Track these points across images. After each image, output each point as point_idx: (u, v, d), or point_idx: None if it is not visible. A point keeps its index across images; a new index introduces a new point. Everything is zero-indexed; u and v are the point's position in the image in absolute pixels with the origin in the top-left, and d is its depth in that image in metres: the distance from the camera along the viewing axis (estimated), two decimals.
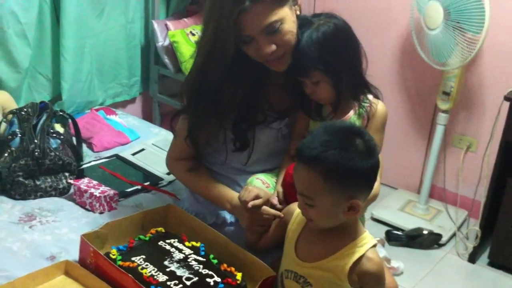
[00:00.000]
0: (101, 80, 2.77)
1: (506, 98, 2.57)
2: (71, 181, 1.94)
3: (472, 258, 2.80)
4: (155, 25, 2.82)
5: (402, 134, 3.22)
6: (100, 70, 2.75)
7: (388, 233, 2.91)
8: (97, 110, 2.61)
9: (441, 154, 3.04)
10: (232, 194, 1.68)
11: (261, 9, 1.45)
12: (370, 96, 1.68)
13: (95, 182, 1.94)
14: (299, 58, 1.56)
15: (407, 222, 2.99)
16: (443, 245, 2.91)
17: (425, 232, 2.88)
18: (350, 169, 1.25)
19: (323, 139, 1.27)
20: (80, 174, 2.04)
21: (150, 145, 2.35)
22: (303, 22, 1.58)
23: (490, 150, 2.80)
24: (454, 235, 2.96)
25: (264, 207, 1.55)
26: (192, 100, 1.65)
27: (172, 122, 1.74)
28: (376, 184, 1.53)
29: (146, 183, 2.05)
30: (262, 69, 1.61)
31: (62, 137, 2.03)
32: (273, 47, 1.51)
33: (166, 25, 2.86)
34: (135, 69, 2.95)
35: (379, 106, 1.67)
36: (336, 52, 1.56)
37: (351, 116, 1.66)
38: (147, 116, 3.15)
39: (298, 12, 1.59)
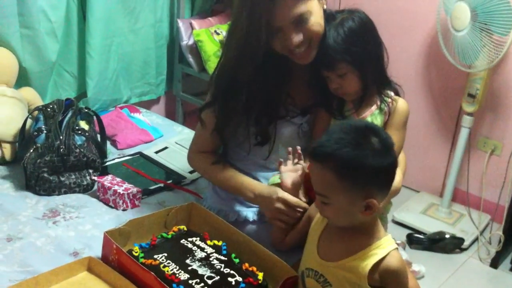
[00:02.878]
0: (127, 78, 2.78)
1: None
2: (95, 178, 1.96)
3: (495, 263, 2.76)
4: (180, 23, 2.83)
5: (425, 136, 3.19)
6: (126, 68, 2.76)
7: (409, 236, 2.88)
8: (121, 108, 2.63)
9: (465, 157, 3.01)
10: (255, 184, 1.69)
11: (291, 1, 1.49)
12: (391, 93, 1.70)
13: (118, 179, 1.96)
14: (326, 51, 1.58)
15: (429, 226, 2.96)
16: (465, 249, 2.87)
17: (447, 236, 2.85)
18: (364, 167, 1.24)
19: (337, 137, 1.27)
20: (104, 171, 2.06)
21: (173, 144, 2.36)
22: (327, 17, 1.61)
23: None
24: (476, 239, 2.92)
25: (296, 200, 1.58)
26: (222, 94, 1.66)
27: (201, 113, 1.74)
28: (398, 179, 1.54)
29: (169, 181, 2.07)
30: (287, 64, 1.64)
31: (87, 134, 2.05)
32: (301, 36, 1.54)
33: (191, 24, 2.88)
34: (162, 68, 2.97)
35: (400, 103, 1.68)
36: (361, 44, 1.59)
37: (374, 111, 1.67)
38: (171, 114, 3.16)
39: (324, 6, 1.62)
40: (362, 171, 1.24)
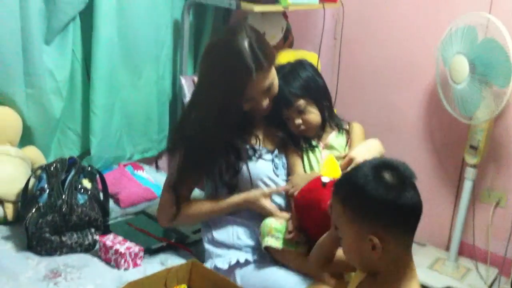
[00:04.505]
0: (130, 135, 2.79)
1: None
2: (97, 237, 1.95)
3: None
4: (183, 80, 2.86)
5: (429, 189, 3.17)
6: (130, 125, 2.78)
7: None
8: (125, 165, 2.64)
9: (469, 210, 2.98)
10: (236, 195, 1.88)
11: (263, 75, 1.76)
12: (343, 123, 2.00)
13: (120, 238, 1.95)
14: (283, 93, 1.86)
15: (436, 281, 2.90)
16: None
17: None
18: (369, 198, 1.22)
19: (352, 172, 1.31)
20: (106, 230, 2.05)
21: None
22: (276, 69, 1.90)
23: None
24: None
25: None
26: (189, 151, 1.85)
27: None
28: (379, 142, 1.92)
29: (171, 240, 2.04)
30: (249, 115, 1.90)
31: (89, 192, 2.05)
32: (268, 101, 1.84)
33: (193, 80, 2.90)
34: (164, 124, 2.98)
35: (355, 123, 1.99)
36: (313, 81, 1.90)
37: (334, 135, 1.95)
38: None
39: None
40: (367, 202, 1.23)
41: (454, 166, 3.12)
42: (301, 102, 1.87)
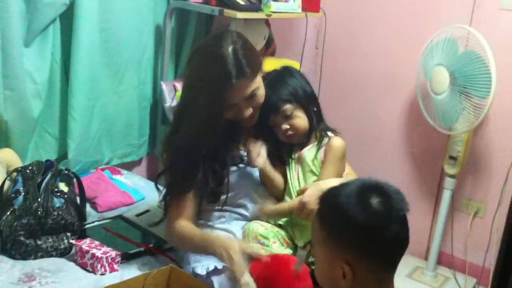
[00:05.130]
0: (109, 140, 2.76)
1: None
2: (73, 241, 1.91)
3: None
4: (164, 86, 2.85)
5: (408, 198, 3.13)
6: (109, 130, 2.75)
7: None
8: (102, 169, 2.60)
9: (448, 220, 3.00)
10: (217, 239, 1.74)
11: (245, 82, 1.71)
12: (330, 133, 1.87)
13: (97, 242, 1.91)
14: (270, 99, 1.81)
15: None
16: None
17: None
18: (347, 220, 1.12)
19: (341, 188, 1.21)
20: (82, 234, 2.00)
21: (155, 207, 2.32)
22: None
23: (499, 216, 2.75)
24: None
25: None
26: (180, 162, 1.80)
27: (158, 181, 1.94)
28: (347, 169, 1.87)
29: (150, 245, 2.01)
30: (234, 124, 1.85)
31: (66, 196, 2.01)
32: (251, 109, 1.78)
33: (174, 86, 2.89)
34: (145, 129, 2.96)
35: (336, 140, 1.84)
36: (300, 85, 1.85)
37: (311, 147, 1.85)
38: (153, 176, 3.12)
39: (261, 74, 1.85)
40: (345, 225, 1.13)
41: (433, 176, 3.14)
42: (288, 106, 1.82)
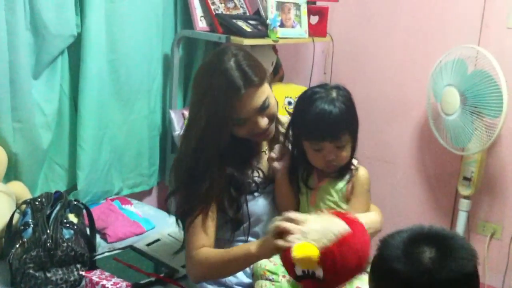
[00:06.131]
0: (119, 170, 2.75)
1: None
2: (83, 273, 1.88)
3: None
4: (173, 114, 2.84)
5: (423, 221, 3.11)
6: (119, 160, 2.74)
7: None
8: (112, 200, 2.58)
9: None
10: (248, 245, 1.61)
11: (253, 91, 1.63)
12: (354, 160, 1.71)
13: (107, 273, 1.87)
14: (332, 123, 1.59)
15: None
16: None
17: None
18: (387, 271, 1.03)
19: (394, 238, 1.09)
20: (92, 265, 1.97)
21: (166, 236, 2.29)
22: (316, 92, 1.64)
23: None
24: None
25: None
26: (185, 182, 1.71)
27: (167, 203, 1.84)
28: (379, 218, 1.68)
29: (161, 275, 1.98)
30: (247, 144, 1.75)
31: (75, 227, 1.98)
32: (266, 120, 1.69)
33: (183, 114, 2.89)
34: (155, 158, 2.94)
35: (363, 170, 1.71)
36: (355, 117, 1.65)
37: (334, 177, 1.68)
38: (163, 205, 3.10)
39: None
40: (390, 282, 1.03)
41: (448, 198, 3.09)
42: (347, 137, 1.61)
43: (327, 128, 1.59)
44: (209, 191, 1.68)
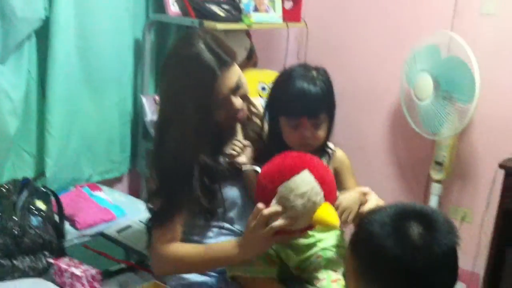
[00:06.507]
0: (89, 157, 2.71)
1: (501, 166, 2.53)
2: (51, 260, 1.85)
3: None
4: (144, 100, 2.80)
5: None
6: (89, 146, 2.69)
7: None
8: (82, 186, 2.54)
9: None
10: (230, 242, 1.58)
11: (228, 71, 1.62)
12: (331, 144, 1.71)
13: (76, 261, 1.86)
14: (313, 100, 1.58)
15: None
16: None
17: None
18: (379, 251, 0.99)
19: (379, 215, 1.07)
20: (61, 253, 1.95)
21: (137, 222, 2.26)
22: (296, 70, 1.64)
23: (487, 220, 2.73)
24: None
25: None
26: (169, 181, 1.63)
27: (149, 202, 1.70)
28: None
29: (132, 262, 1.96)
30: (219, 130, 1.72)
31: (43, 214, 1.95)
32: (240, 100, 1.68)
33: (154, 99, 2.85)
34: (126, 145, 2.90)
35: (340, 152, 1.72)
36: (333, 97, 1.65)
37: None
38: (135, 192, 3.07)
39: None
40: (378, 257, 1.01)
41: (420, 182, 3.11)
42: (325, 116, 1.61)
43: (307, 104, 1.58)
44: (192, 191, 1.63)
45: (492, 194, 2.67)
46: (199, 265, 1.62)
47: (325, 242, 1.61)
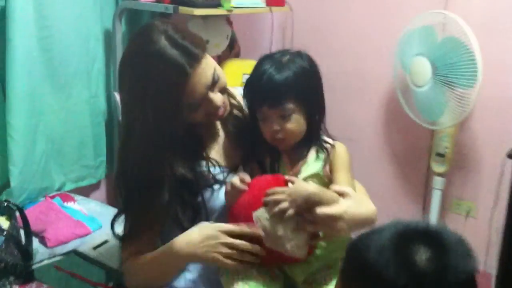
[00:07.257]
0: (59, 162, 2.51)
1: (510, 156, 2.35)
2: (17, 287, 1.67)
3: None
4: (117, 97, 2.59)
5: (394, 202, 2.99)
6: (59, 151, 2.50)
7: None
8: (52, 197, 2.35)
9: (440, 222, 2.80)
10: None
11: (200, 67, 1.44)
12: (328, 139, 1.58)
13: (45, 286, 1.68)
14: (273, 87, 1.47)
15: None
16: None
17: None
18: (379, 282, 0.84)
19: (375, 237, 0.91)
20: (29, 277, 1.75)
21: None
22: (269, 56, 1.54)
23: (497, 215, 2.57)
24: None
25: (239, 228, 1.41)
26: (133, 195, 1.49)
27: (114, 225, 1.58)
28: (373, 208, 1.51)
29: (110, 284, 1.81)
30: (194, 132, 1.57)
31: (6, 233, 1.74)
32: (220, 95, 1.51)
33: None
34: (101, 148, 2.71)
35: (341, 146, 1.57)
36: (311, 83, 1.53)
37: (308, 160, 1.53)
38: (112, 200, 2.85)
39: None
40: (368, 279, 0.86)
41: (419, 176, 2.96)
42: (291, 106, 1.46)
43: (266, 92, 1.48)
44: (163, 204, 1.47)
45: (501, 186, 2.50)
46: (155, 265, 1.49)
47: (335, 252, 1.50)
